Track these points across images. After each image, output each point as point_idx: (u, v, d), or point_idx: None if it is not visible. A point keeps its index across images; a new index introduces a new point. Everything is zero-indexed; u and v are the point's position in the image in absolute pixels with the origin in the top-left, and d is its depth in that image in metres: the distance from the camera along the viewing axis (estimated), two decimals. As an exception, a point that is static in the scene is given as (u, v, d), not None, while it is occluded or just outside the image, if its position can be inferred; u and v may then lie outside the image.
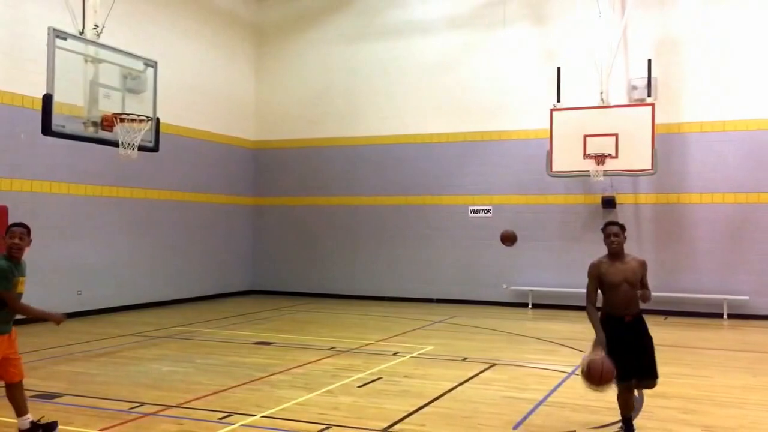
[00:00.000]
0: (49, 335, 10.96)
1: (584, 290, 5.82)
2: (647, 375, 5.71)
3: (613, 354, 5.50)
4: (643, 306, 5.82)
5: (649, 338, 5.79)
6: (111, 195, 14.39)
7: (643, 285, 5.78)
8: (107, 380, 8.06)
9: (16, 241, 5.60)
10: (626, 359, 5.55)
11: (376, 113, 17.64)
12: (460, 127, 16.76)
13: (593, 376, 5.47)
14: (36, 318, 6.11)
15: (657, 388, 7.82)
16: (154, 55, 11.58)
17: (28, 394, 7.21)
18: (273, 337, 11.37)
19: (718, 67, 14.71)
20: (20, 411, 5.78)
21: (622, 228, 5.86)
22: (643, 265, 5.79)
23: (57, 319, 5.91)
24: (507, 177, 16.29)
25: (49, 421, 5.89)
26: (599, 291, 5.78)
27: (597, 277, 5.74)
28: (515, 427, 6.20)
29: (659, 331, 12.66)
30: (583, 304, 5.81)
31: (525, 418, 6.51)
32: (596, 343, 5.60)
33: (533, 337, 11.60)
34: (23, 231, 5.65)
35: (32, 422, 5.79)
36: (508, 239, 9.49)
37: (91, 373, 8.43)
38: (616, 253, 5.74)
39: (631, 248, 6.09)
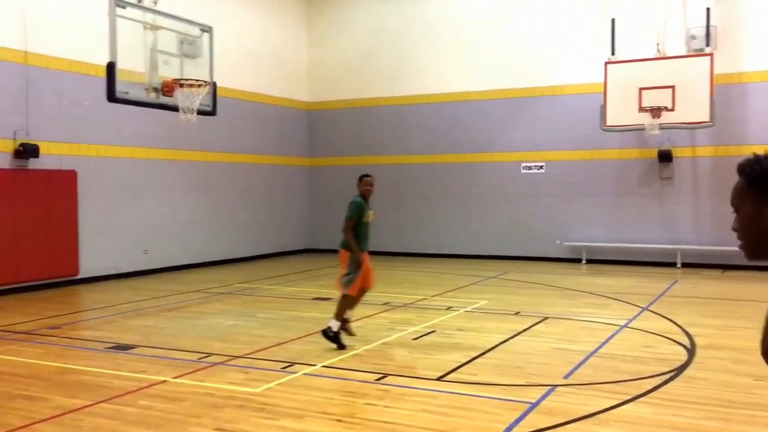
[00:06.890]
0: (120, 292, 11.58)
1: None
2: None
3: None
4: None
5: None
6: (172, 158, 14.89)
7: None
8: (176, 333, 8.55)
9: (369, 187, 7.85)
10: None
11: (426, 72, 17.62)
12: (511, 83, 16.63)
13: None
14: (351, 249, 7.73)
15: (708, 340, 7.92)
16: (208, 20, 11.82)
17: (103, 346, 7.79)
18: (330, 293, 11.71)
19: (782, 13, 14.19)
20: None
21: None
22: None
23: (359, 258, 7.57)
24: (559, 132, 16.15)
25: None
26: None
27: None
28: (565, 377, 6.38)
29: (716, 285, 12.70)
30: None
31: (575, 368, 6.68)
32: None
33: (586, 292, 11.66)
34: (374, 179, 7.95)
35: (343, 326, 7.56)
36: None
37: (160, 327, 8.95)
38: None
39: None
